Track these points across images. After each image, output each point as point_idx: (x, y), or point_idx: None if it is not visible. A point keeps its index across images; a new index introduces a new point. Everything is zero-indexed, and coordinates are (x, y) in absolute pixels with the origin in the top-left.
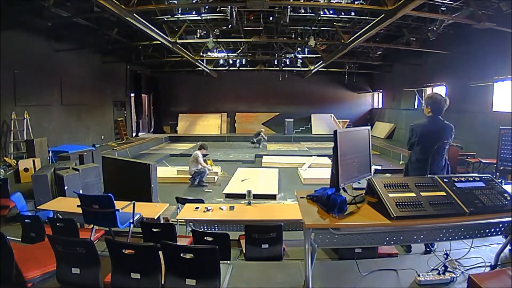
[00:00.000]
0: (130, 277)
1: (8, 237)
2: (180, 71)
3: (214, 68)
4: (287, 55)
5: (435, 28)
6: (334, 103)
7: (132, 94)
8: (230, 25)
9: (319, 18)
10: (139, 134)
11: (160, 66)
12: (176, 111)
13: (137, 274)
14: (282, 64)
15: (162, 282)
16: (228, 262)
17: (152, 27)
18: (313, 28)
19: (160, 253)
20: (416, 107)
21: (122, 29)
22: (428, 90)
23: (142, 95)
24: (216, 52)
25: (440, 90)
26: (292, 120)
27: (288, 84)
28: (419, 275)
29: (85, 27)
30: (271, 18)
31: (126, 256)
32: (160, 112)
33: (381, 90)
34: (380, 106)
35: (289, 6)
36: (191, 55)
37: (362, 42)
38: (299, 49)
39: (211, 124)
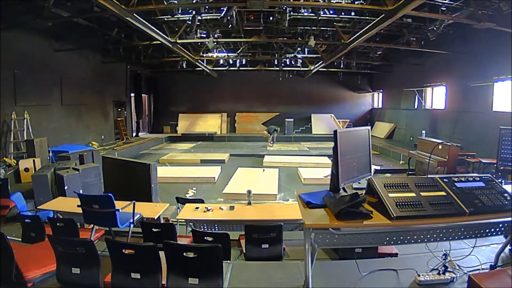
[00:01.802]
0: (130, 277)
1: (8, 237)
2: (180, 71)
3: (214, 68)
4: (287, 55)
5: (435, 28)
6: (334, 103)
7: (132, 94)
8: (230, 25)
9: (319, 18)
10: (139, 134)
11: (160, 66)
12: (176, 111)
13: (137, 274)
14: (282, 64)
15: (163, 282)
16: (228, 262)
17: (152, 27)
18: (313, 28)
19: (161, 253)
20: (416, 107)
21: (122, 29)
22: (428, 90)
23: (142, 95)
24: (216, 52)
25: (440, 90)
26: (292, 120)
27: (288, 84)
28: (419, 275)
29: (85, 27)
30: (271, 18)
31: (126, 256)
32: (160, 112)
33: (381, 90)
34: (380, 106)
35: (289, 7)
36: (191, 55)
37: (362, 42)
38: (299, 49)
39: (211, 124)
